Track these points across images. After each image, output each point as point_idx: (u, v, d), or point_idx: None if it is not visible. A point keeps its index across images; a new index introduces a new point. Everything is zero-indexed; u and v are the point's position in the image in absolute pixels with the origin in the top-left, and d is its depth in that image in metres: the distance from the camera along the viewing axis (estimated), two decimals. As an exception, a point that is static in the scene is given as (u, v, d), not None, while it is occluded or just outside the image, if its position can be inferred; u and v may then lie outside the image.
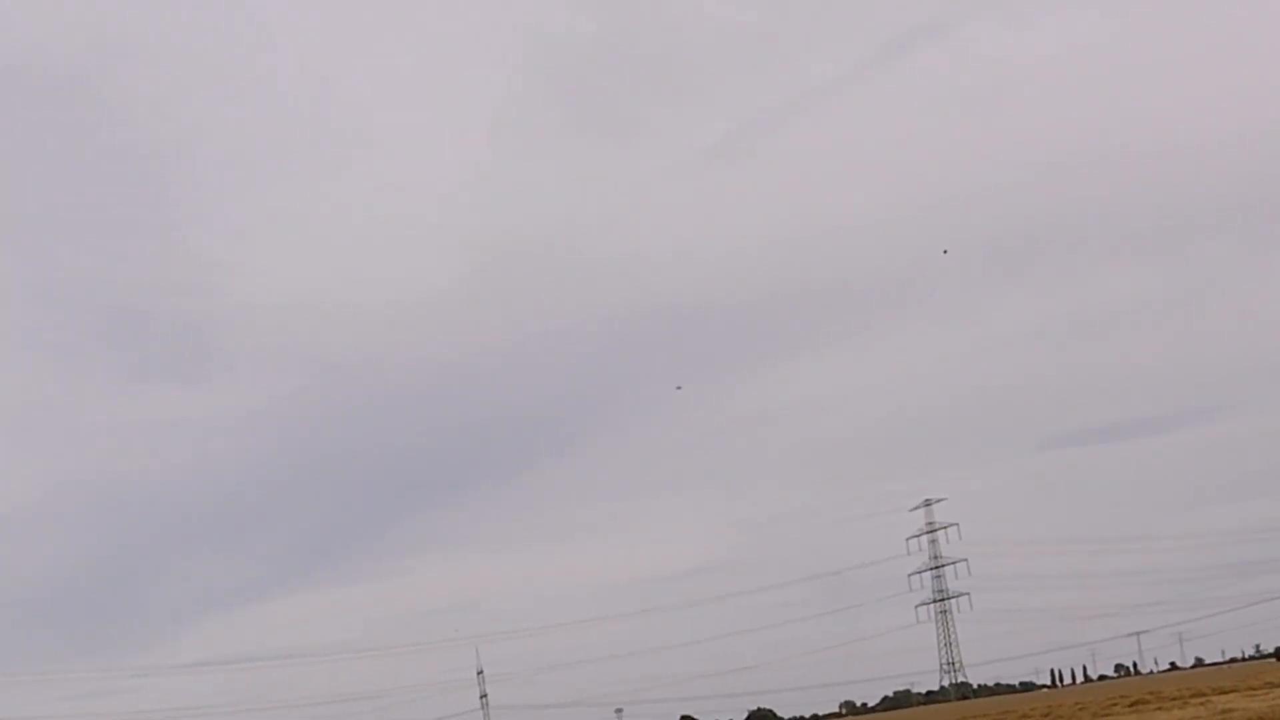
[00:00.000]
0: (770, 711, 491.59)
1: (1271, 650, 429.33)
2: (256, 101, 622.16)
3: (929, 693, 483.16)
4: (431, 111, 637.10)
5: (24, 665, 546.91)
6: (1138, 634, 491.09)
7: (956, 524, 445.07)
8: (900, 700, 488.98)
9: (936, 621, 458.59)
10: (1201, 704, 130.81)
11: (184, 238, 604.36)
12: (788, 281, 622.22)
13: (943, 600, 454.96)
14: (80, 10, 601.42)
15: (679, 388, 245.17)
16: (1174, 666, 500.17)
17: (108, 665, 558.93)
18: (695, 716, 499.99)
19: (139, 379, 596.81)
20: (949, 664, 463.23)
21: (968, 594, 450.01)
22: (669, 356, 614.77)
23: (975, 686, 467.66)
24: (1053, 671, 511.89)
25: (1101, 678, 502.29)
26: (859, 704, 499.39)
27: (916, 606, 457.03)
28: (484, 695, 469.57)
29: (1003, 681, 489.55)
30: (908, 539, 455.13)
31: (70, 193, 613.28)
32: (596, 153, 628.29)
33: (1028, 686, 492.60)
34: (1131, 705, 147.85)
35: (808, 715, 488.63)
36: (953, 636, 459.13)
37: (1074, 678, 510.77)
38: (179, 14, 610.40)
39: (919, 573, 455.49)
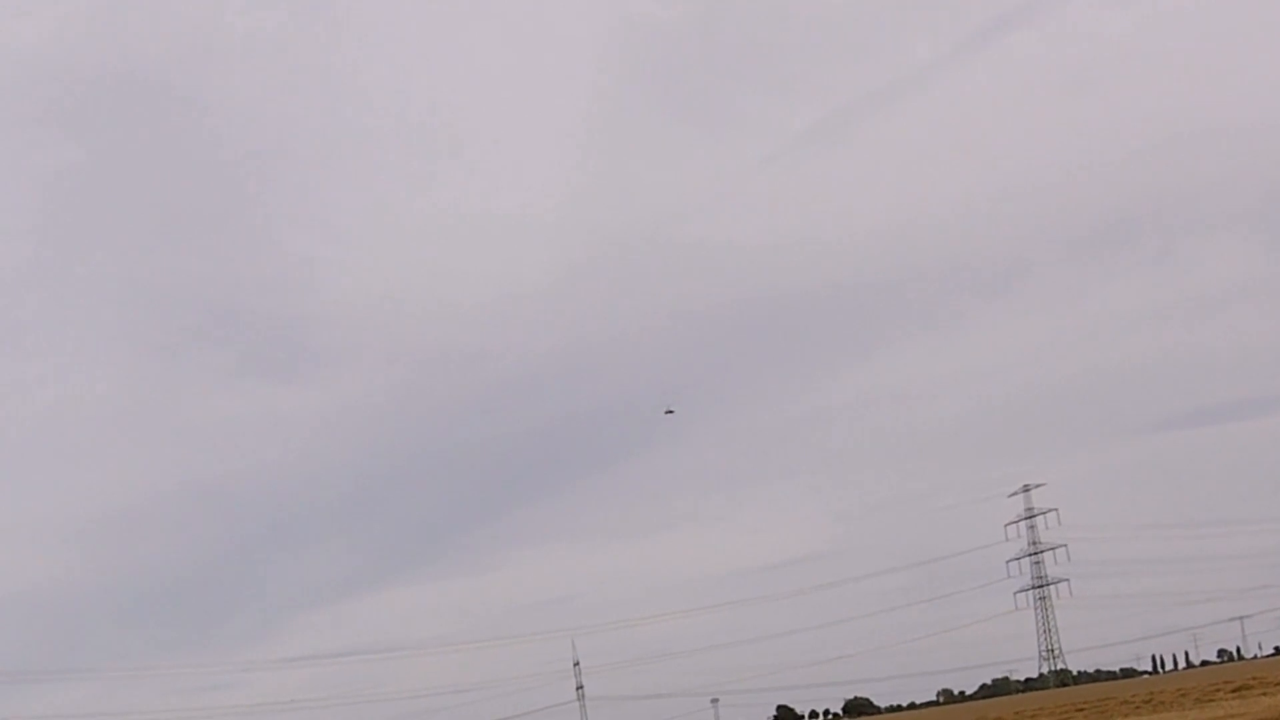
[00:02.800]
0: (867, 701, 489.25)
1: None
2: (348, 101, 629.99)
3: (1028, 680, 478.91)
4: (524, 106, 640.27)
5: (131, 660, 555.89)
6: (1241, 618, 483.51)
7: (1056, 509, 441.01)
8: (999, 688, 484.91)
9: (1035, 608, 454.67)
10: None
11: (279, 236, 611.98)
12: (886, 268, 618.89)
13: (1042, 586, 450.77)
14: (173, 18, 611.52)
15: (670, 412, 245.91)
16: (1278, 651, 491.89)
17: (211, 660, 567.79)
18: (792, 706, 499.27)
19: (237, 377, 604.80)
20: (1048, 651, 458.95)
21: (1067, 580, 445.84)
22: (766, 346, 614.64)
23: (1075, 673, 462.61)
24: (1154, 657, 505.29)
25: (1204, 663, 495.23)
26: (957, 692, 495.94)
27: (1015, 593, 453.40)
28: (580, 687, 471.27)
29: (1103, 668, 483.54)
30: (1006, 525, 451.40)
31: (168, 195, 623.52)
32: (691, 142, 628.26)
33: (1129, 673, 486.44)
34: (1235, 691, 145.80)
35: (905, 704, 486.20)
36: (1052, 623, 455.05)
37: (1176, 664, 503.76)
38: (270, 18, 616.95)
39: (1018, 559, 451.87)
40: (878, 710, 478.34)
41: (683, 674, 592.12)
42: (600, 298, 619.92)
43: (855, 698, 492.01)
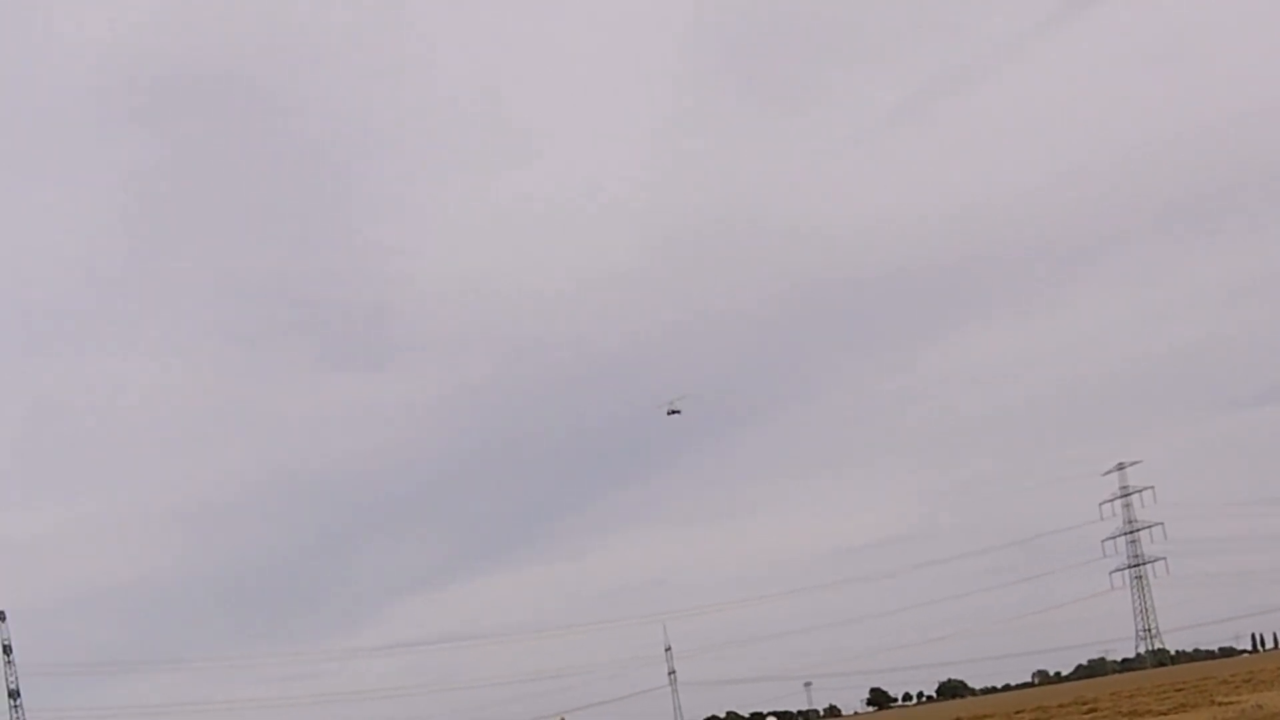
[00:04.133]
0: (961, 683, 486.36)
1: None
2: (427, 89, 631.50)
3: (1125, 661, 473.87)
4: (605, 89, 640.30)
5: (223, 650, 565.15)
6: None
7: (1152, 487, 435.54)
8: (1095, 669, 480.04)
9: (1132, 587, 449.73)
10: None
11: (364, 228, 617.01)
12: (971, 246, 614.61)
13: (1138, 565, 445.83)
14: (251, 12, 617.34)
15: (674, 412, 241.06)
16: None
17: (302, 650, 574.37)
18: (885, 689, 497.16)
19: (325, 368, 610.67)
20: (1145, 630, 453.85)
21: (1164, 558, 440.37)
22: (852, 326, 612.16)
23: (1173, 653, 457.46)
24: (1254, 636, 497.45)
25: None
26: (1052, 673, 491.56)
27: (1111, 572, 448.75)
28: (672, 672, 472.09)
29: (1201, 647, 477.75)
30: (1101, 504, 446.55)
31: (250, 189, 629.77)
32: (774, 123, 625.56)
33: (1228, 652, 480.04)
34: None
35: (1000, 686, 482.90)
36: (1149, 602, 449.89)
37: (1276, 642, 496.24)
38: (346, 8, 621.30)
39: (1113, 538, 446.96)
40: (972, 692, 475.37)
41: (775, 658, 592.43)
42: (684, 282, 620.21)
43: (949, 680, 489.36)
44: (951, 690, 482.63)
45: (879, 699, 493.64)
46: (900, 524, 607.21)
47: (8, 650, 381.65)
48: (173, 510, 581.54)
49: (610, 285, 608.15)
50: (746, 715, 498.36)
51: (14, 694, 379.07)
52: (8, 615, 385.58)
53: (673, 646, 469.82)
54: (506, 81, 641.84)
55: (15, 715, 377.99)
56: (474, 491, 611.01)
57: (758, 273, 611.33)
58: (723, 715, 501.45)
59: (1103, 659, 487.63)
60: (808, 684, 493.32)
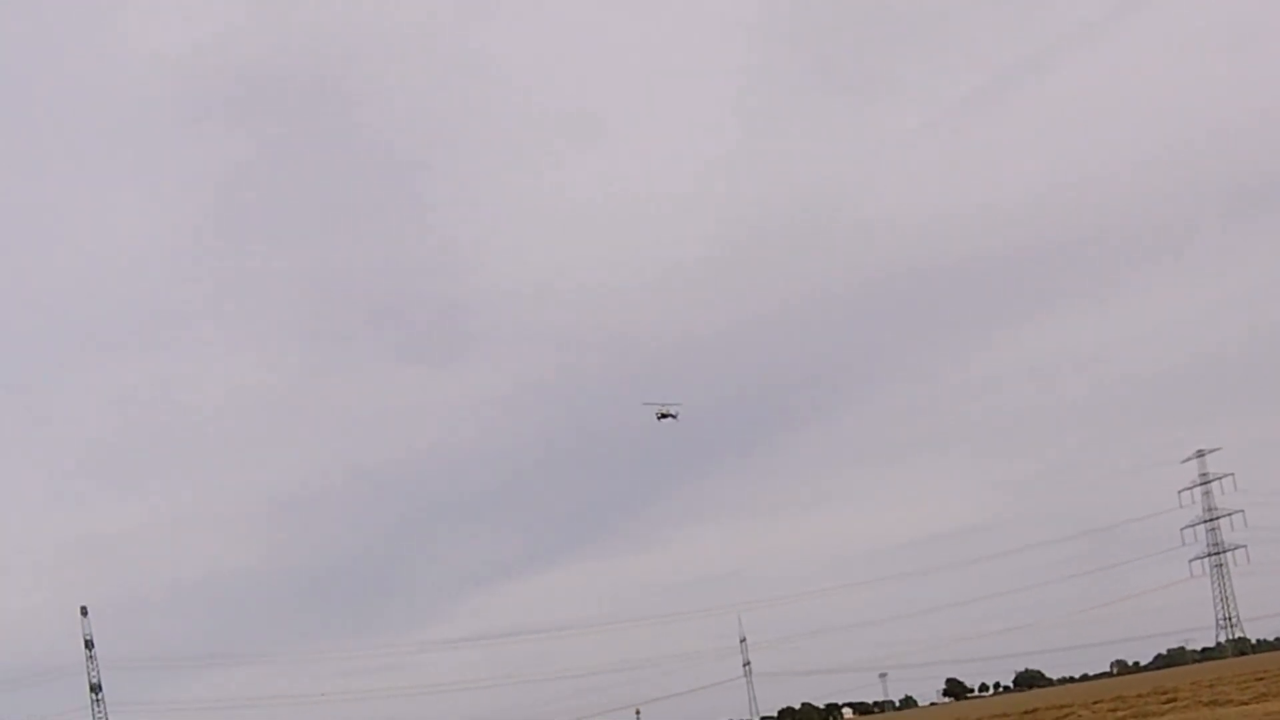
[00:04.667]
0: (1039, 673, 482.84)
1: None
2: (502, 86, 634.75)
3: (1205, 649, 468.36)
4: (678, 82, 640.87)
5: (302, 644, 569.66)
6: None
7: (1232, 474, 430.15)
8: (1175, 658, 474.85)
9: (1211, 576, 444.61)
10: None
11: (438, 223, 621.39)
12: (1046, 234, 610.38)
13: (1218, 553, 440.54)
14: (330, 14, 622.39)
15: (664, 416, 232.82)
16: None
17: (379, 643, 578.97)
18: (961, 680, 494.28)
19: (400, 363, 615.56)
20: (1225, 619, 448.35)
21: (1244, 546, 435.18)
22: (927, 316, 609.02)
23: (1254, 641, 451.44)
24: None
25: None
26: (1131, 663, 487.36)
27: (1190, 561, 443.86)
28: (747, 663, 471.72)
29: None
30: (1180, 491, 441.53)
31: (330, 187, 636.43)
32: (848, 113, 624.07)
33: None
34: None
35: (1078, 675, 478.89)
36: (1229, 590, 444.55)
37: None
38: (421, 9, 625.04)
39: (1192, 526, 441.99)
40: (1049, 682, 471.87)
41: (850, 648, 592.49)
42: (757, 274, 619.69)
43: (1026, 670, 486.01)
44: (1028, 680, 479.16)
45: (955, 689, 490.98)
46: (976, 514, 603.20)
47: (90, 645, 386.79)
48: (254, 505, 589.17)
49: (681, 279, 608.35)
50: (822, 707, 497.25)
51: (96, 688, 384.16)
52: (90, 610, 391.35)
53: (747, 638, 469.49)
54: (578, 77, 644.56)
55: (97, 709, 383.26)
56: (549, 485, 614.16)
57: (829, 264, 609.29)
58: (798, 707, 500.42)
59: (1182, 648, 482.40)
60: (883, 675, 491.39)
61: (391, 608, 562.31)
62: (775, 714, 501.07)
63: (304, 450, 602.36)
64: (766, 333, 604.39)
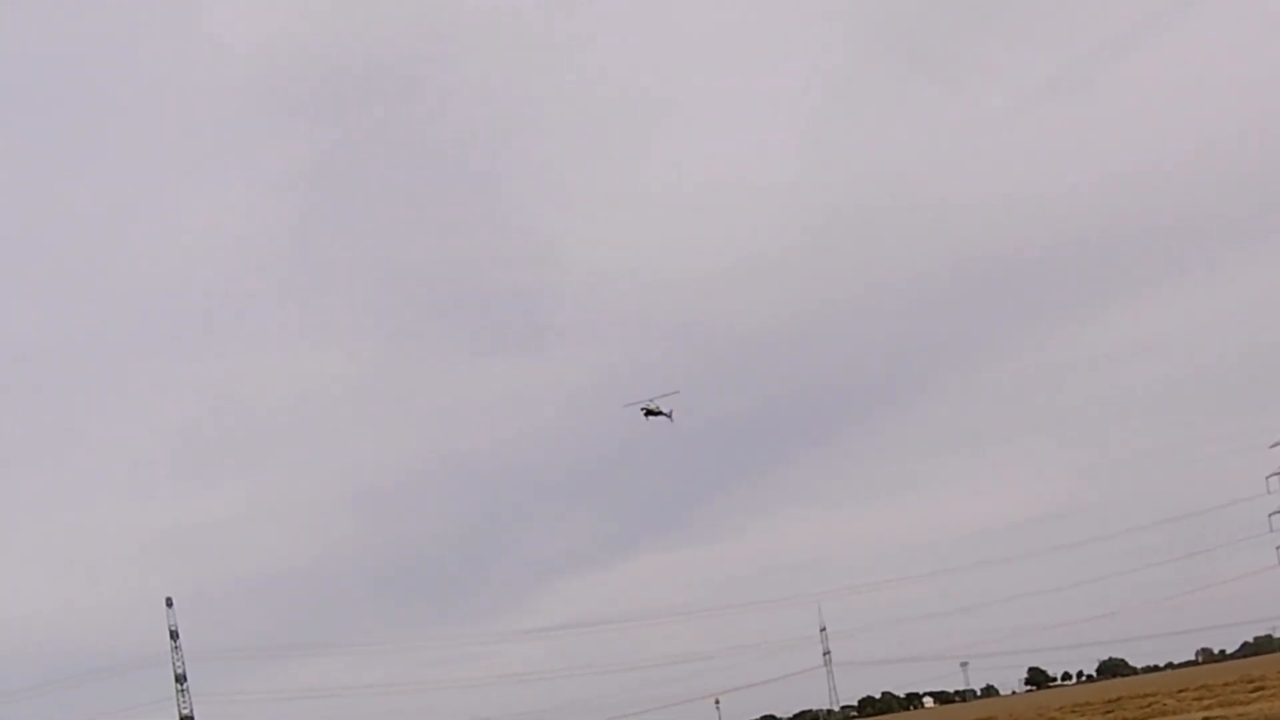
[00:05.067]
0: (1122, 661, 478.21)
1: None
2: (580, 74, 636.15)
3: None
4: (758, 68, 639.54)
5: (384, 634, 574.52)
6: None
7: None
8: (1262, 646, 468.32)
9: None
10: None
11: (519, 212, 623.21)
12: (1131, 217, 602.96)
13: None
14: (407, 11, 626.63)
15: (654, 414, 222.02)
16: None
17: (462, 632, 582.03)
18: (1043, 668, 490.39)
19: (480, 354, 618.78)
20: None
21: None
22: (1008, 301, 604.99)
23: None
24: None
25: None
26: (1217, 651, 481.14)
27: (1278, 547, 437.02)
28: (827, 652, 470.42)
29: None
30: (1268, 477, 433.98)
31: (412, 179, 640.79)
32: (929, 97, 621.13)
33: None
34: None
35: (1162, 664, 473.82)
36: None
37: None
38: (497, 2, 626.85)
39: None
40: (1134, 671, 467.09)
41: (931, 637, 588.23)
42: (839, 260, 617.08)
43: (1110, 659, 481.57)
44: (1112, 669, 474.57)
45: (1037, 678, 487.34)
46: (1058, 500, 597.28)
47: (175, 635, 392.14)
48: (335, 496, 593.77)
49: (763, 265, 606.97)
50: (902, 696, 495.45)
51: (181, 678, 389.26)
52: (175, 602, 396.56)
53: (827, 627, 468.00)
54: (656, 63, 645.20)
55: (182, 699, 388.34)
56: (628, 474, 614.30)
57: (909, 250, 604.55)
58: (878, 696, 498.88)
59: (1269, 636, 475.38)
60: (964, 664, 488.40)
61: (471, 598, 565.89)
62: (855, 703, 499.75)
63: (383, 441, 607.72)
64: (846, 319, 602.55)
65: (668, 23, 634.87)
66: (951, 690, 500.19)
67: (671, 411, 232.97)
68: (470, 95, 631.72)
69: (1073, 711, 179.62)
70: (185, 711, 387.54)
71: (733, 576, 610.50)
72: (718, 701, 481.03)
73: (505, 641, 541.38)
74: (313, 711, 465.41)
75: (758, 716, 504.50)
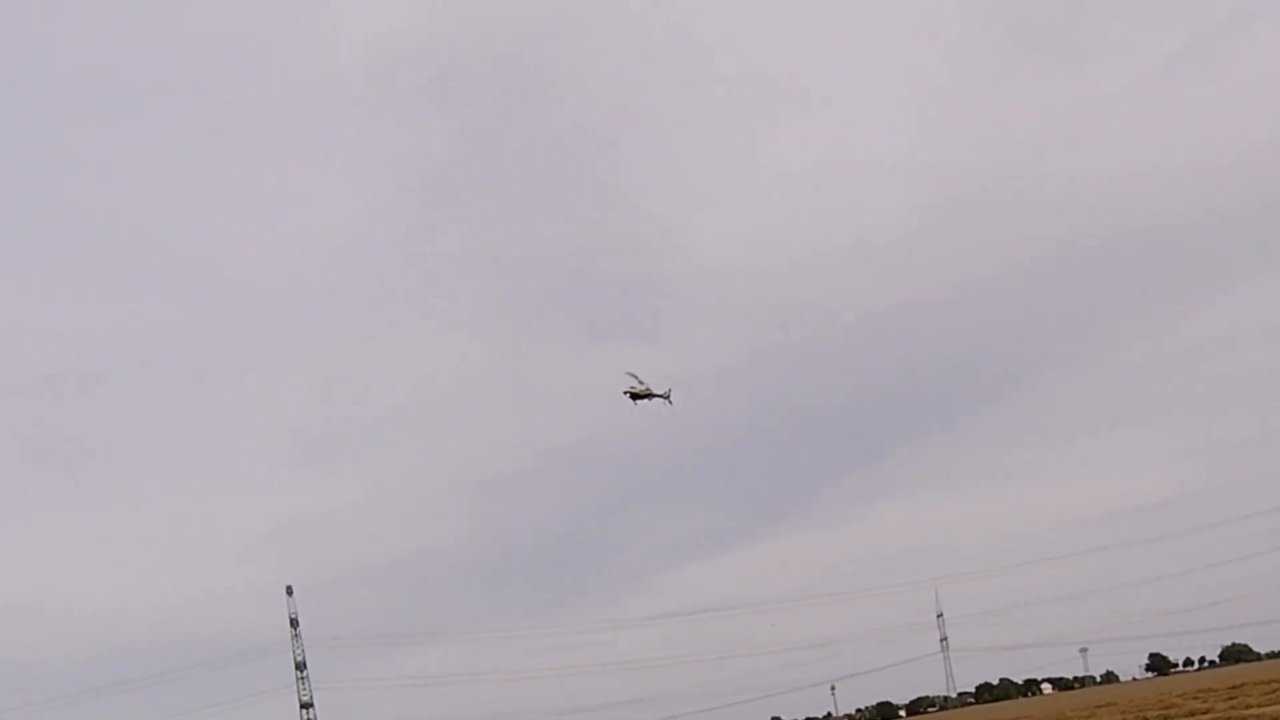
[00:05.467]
0: (1246, 647, 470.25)
1: None
2: (695, 59, 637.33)
3: None
4: (873, 49, 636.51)
5: (502, 620, 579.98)
6: None
7: None
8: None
9: None
10: None
11: (633, 200, 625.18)
12: (1255, 196, 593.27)
13: None
14: (520, 2, 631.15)
15: (644, 396, 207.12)
16: None
17: (576, 620, 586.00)
18: (1165, 654, 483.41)
19: (597, 340, 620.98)
20: None
21: None
22: (1126, 283, 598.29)
23: None
24: None
25: None
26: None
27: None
28: (944, 638, 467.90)
29: None
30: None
31: (527, 168, 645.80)
32: (1049, 78, 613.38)
33: None
34: None
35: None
36: None
37: None
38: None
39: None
40: (1257, 657, 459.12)
41: (1049, 623, 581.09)
42: (955, 243, 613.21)
43: (1233, 644, 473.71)
44: (1235, 655, 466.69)
45: (1158, 664, 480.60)
46: (1180, 485, 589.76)
47: (295, 623, 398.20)
48: (453, 485, 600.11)
49: (880, 248, 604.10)
50: (1020, 682, 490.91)
51: (300, 665, 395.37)
52: (294, 590, 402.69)
53: (944, 613, 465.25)
54: (776, 48, 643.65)
55: (301, 686, 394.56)
56: (745, 461, 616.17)
57: (1031, 231, 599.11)
58: (995, 682, 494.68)
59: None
60: (1084, 650, 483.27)
61: (587, 585, 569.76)
62: (973, 690, 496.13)
63: (502, 429, 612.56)
64: (963, 301, 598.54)
65: (790, 6, 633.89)
66: (1071, 677, 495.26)
67: (669, 393, 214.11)
68: (589, 86, 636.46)
69: (1194, 698, 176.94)
70: (305, 698, 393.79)
71: (849, 563, 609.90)
72: (833, 688, 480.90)
73: (621, 628, 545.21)
74: (429, 698, 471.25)
75: (873, 703, 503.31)
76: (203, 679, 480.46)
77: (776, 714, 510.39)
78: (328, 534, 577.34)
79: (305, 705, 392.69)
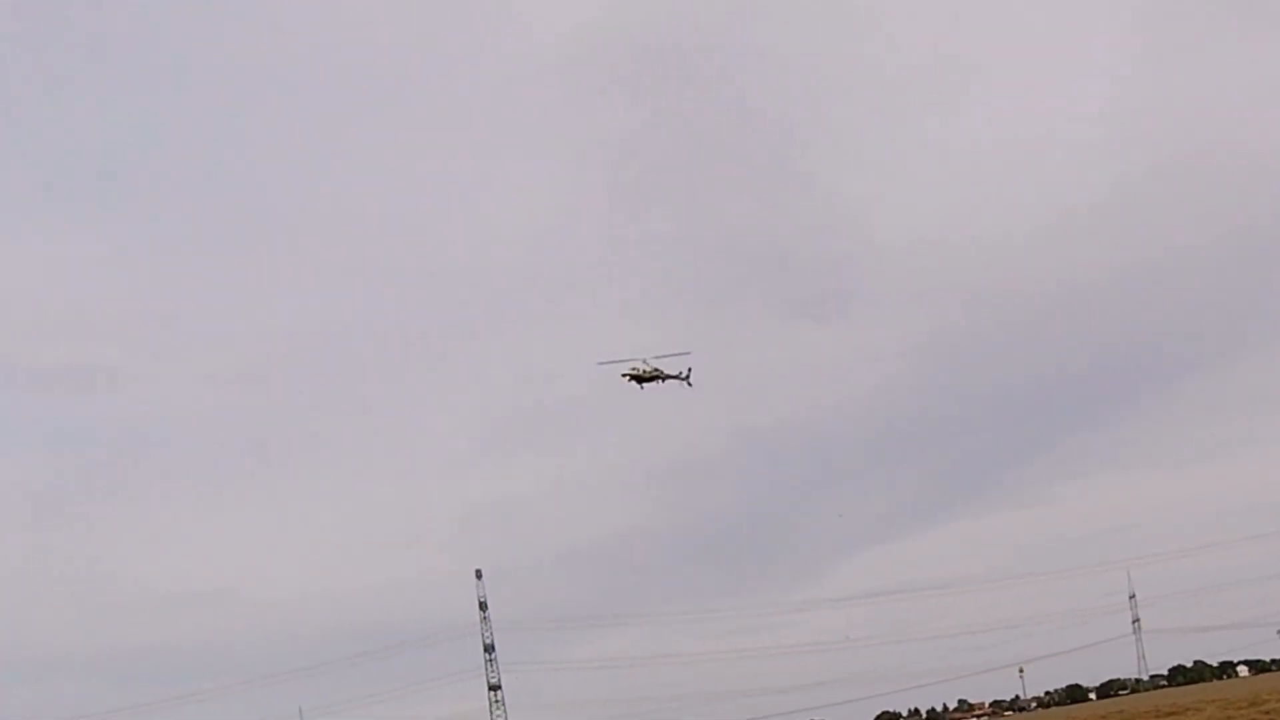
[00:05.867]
0: None
1: None
2: (881, 37, 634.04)
3: None
4: (1063, 27, 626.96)
5: (690, 603, 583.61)
6: None
7: None
8: None
9: None
10: None
11: (824, 179, 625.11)
12: None
13: None
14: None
15: (665, 378, 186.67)
16: None
17: (764, 602, 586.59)
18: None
19: (789, 322, 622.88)
20: None
21: None
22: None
23: None
24: None
25: None
26: None
27: None
28: (1136, 620, 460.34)
29: None
30: None
31: (717, 151, 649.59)
32: (1246, 49, 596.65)
33: None
34: None
35: None
36: None
37: None
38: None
39: None
40: None
41: (1246, 605, 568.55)
42: (1151, 216, 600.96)
43: None
44: None
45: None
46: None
47: (484, 607, 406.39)
48: (644, 468, 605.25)
49: (1072, 224, 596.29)
50: (1215, 664, 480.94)
51: (489, 648, 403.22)
52: (484, 574, 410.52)
53: (1136, 594, 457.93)
54: (963, 22, 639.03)
55: (490, 669, 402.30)
56: (935, 441, 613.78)
57: (1229, 205, 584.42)
58: (1189, 664, 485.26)
59: None
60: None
61: (777, 567, 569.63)
62: (1165, 672, 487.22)
63: (693, 411, 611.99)
64: (1160, 276, 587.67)
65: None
66: (1268, 659, 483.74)
67: (688, 373, 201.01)
68: (777, 66, 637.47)
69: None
70: (493, 680, 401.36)
71: (1040, 543, 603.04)
72: (1021, 670, 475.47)
73: (810, 610, 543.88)
74: (615, 680, 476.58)
75: (1062, 685, 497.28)
76: (394, 661, 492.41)
77: (963, 696, 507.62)
78: (518, 518, 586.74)
79: (494, 687, 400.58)
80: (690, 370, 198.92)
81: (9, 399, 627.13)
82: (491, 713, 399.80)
